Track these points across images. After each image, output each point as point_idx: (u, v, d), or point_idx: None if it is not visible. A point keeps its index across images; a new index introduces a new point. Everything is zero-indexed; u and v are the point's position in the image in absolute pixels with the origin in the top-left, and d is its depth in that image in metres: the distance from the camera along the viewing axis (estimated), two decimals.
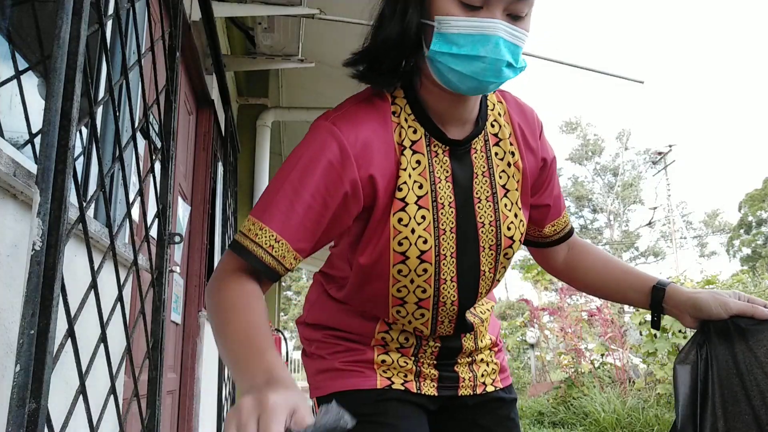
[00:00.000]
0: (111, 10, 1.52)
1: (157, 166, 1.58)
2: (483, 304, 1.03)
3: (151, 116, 1.86)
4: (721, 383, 0.89)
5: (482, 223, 0.91)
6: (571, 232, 1.09)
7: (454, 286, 0.91)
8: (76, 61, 0.95)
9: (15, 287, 1.01)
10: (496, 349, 1.06)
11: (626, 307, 6.87)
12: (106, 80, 1.59)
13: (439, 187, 0.88)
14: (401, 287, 0.90)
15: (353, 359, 0.96)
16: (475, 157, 0.91)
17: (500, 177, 0.93)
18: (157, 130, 1.86)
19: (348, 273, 0.94)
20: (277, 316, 9.84)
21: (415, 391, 0.97)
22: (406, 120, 0.88)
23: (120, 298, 1.23)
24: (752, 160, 49.27)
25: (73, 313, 0.99)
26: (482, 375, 1.02)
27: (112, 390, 1.18)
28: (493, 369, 1.04)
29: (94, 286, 1.08)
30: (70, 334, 0.97)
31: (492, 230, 0.92)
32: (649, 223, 28.91)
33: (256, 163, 4.52)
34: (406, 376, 0.97)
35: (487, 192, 0.92)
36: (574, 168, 34.80)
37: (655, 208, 28.05)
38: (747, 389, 0.87)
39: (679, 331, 5.09)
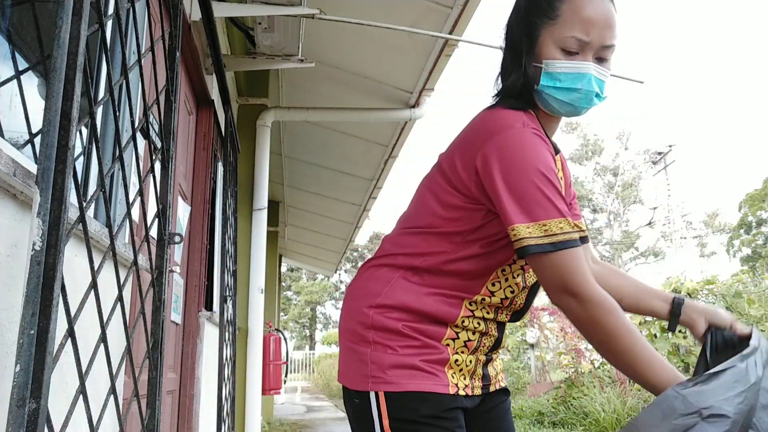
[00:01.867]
0: (111, 10, 1.52)
1: (157, 166, 1.58)
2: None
3: (151, 116, 1.86)
4: None
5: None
6: (586, 238, 1.20)
7: None
8: (76, 61, 0.95)
9: (15, 287, 1.01)
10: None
11: None
12: (106, 80, 1.59)
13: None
14: (506, 267, 1.08)
15: (432, 359, 1.02)
16: (558, 163, 1.12)
17: (566, 189, 1.14)
18: (157, 130, 1.86)
19: (457, 251, 1.05)
20: (277, 316, 9.84)
21: (471, 393, 1.07)
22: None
23: (120, 298, 1.23)
24: (752, 160, 49.29)
25: (73, 313, 0.99)
26: (499, 372, 1.18)
27: (112, 390, 1.18)
28: (502, 368, 1.21)
29: (94, 286, 1.08)
30: (70, 334, 0.97)
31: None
32: (649, 223, 28.92)
33: (256, 163, 4.52)
34: (465, 378, 1.07)
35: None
36: (574, 168, 34.79)
37: (655, 208, 28.07)
38: None
39: (680, 331, 5.10)
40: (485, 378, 1.11)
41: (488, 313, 1.07)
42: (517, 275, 1.09)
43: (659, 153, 26.87)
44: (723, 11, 61.10)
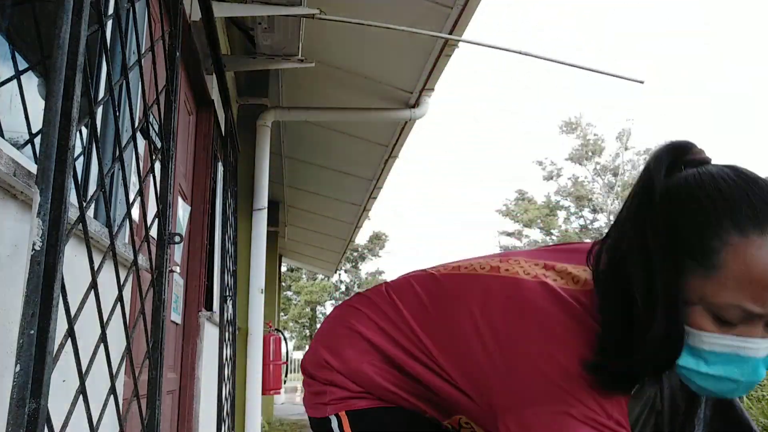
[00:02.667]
0: (111, 10, 1.52)
1: (157, 166, 1.58)
2: None
3: (151, 116, 1.86)
4: None
5: None
6: None
7: None
8: (76, 61, 0.95)
9: (15, 287, 1.01)
10: None
11: None
12: (106, 80, 1.59)
13: None
14: None
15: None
16: None
17: None
18: (157, 130, 1.86)
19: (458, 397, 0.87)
20: (277, 316, 9.84)
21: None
22: None
23: (120, 298, 1.23)
24: (752, 160, 49.25)
25: (73, 313, 0.99)
26: None
27: (112, 390, 1.18)
28: None
29: (94, 286, 1.08)
30: (70, 334, 0.97)
31: None
32: None
33: (256, 163, 4.52)
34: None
35: None
36: (574, 168, 34.80)
37: None
38: None
39: None
40: None
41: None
42: None
43: None
44: (723, 11, 61.14)
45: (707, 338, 0.69)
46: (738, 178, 0.72)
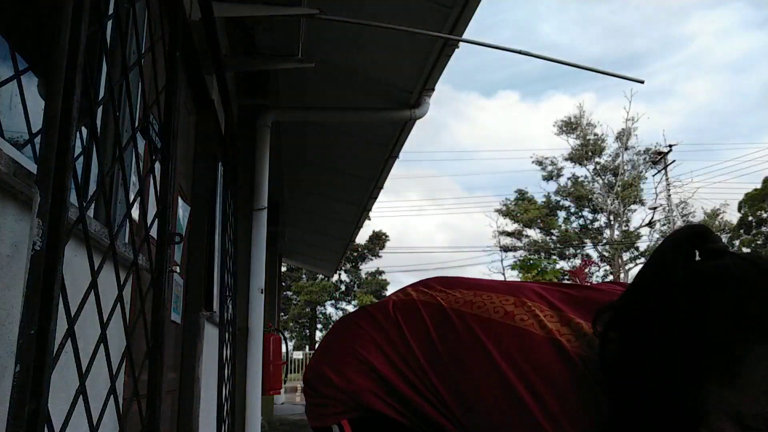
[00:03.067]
0: (111, 10, 1.52)
1: (157, 166, 1.58)
2: None
3: (151, 116, 1.86)
4: None
5: None
6: None
7: None
8: (76, 61, 0.95)
9: (15, 287, 1.01)
10: None
11: None
12: (106, 80, 1.59)
13: None
14: None
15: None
16: None
17: None
18: (157, 130, 1.86)
19: None
20: (277, 316, 9.84)
21: None
22: None
23: (120, 298, 1.23)
24: (752, 160, 49.27)
25: (73, 313, 0.99)
26: None
27: (112, 390, 1.18)
28: None
29: (94, 286, 1.08)
30: (70, 334, 0.97)
31: None
32: (649, 223, 28.90)
33: (256, 163, 4.52)
34: None
35: None
36: (574, 168, 34.79)
37: (655, 208, 28.06)
38: None
39: None
40: None
41: None
42: None
43: (659, 153, 26.86)
44: (723, 11, 61.11)
45: None
46: (760, 276, 0.68)
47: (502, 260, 35.45)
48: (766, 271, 0.69)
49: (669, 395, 0.67)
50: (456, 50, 3.89)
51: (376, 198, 7.12)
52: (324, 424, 0.96)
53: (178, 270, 2.71)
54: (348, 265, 33.96)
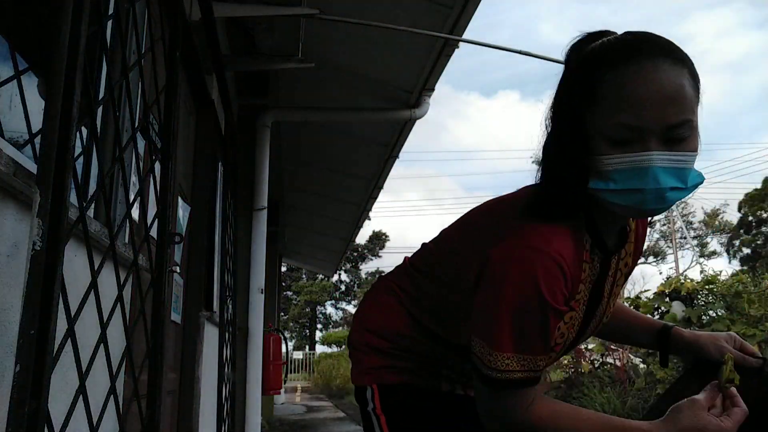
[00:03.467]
0: (111, 10, 1.52)
1: (157, 166, 1.58)
2: None
3: (151, 116, 1.86)
4: None
5: (596, 315, 1.00)
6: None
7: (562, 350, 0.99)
8: (76, 61, 0.95)
9: (15, 287, 1.01)
10: None
11: None
12: (106, 80, 1.59)
13: (584, 289, 0.93)
14: None
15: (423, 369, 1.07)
16: (612, 262, 0.98)
17: (619, 277, 1.02)
18: (157, 130, 1.86)
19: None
20: (277, 316, 9.84)
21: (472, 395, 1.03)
22: (585, 234, 0.92)
23: (120, 298, 1.23)
24: (752, 160, 49.27)
25: (73, 313, 0.99)
26: None
27: (112, 390, 1.18)
28: None
29: (94, 286, 1.08)
30: (70, 334, 0.97)
31: (602, 312, 1.01)
32: (649, 223, 28.89)
33: (256, 163, 4.51)
34: (464, 386, 1.08)
35: (608, 291, 1.00)
36: None
37: None
38: None
39: None
40: None
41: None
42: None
43: None
44: (723, 11, 61.13)
45: (608, 160, 0.81)
46: (627, 34, 0.86)
47: None
48: (637, 32, 0.85)
49: (562, 138, 0.88)
50: (456, 50, 3.89)
51: (376, 198, 7.12)
52: (361, 383, 1.08)
53: (178, 270, 2.70)
54: (348, 265, 33.95)
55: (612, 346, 6.24)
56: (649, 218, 1.00)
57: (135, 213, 1.70)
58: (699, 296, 5.46)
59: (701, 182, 0.83)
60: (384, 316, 1.08)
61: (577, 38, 0.90)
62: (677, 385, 1.06)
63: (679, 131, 0.79)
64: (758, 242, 26.98)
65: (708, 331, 1.09)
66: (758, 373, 0.99)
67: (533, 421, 0.88)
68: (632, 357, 6.28)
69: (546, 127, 0.93)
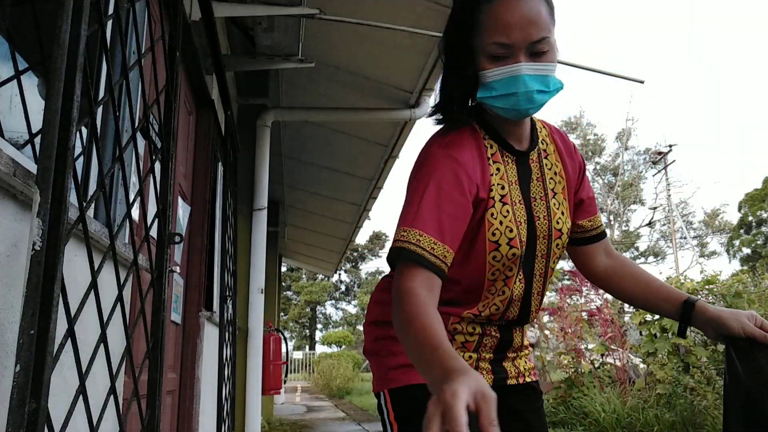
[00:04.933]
0: (111, 10, 1.52)
1: (157, 166, 1.58)
2: (540, 304, 1.21)
3: (151, 116, 1.86)
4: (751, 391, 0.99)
5: (537, 217, 1.14)
6: (604, 233, 1.28)
7: (521, 272, 1.13)
8: (76, 61, 0.95)
9: (15, 287, 1.01)
10: (528, 351, 1.27)
11: (626, 307, 6.87)
12: (106, 80, 1.59)
13: (511, 188, 1.12)
14: (495, 271, 1.10)
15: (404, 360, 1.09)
16: (532, 165, 1.16)
17: (550, 182, 1.17)
18: (157, 130, 1.86)
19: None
20: (277, 316, 9.84)
21: None
22: (485, 138, 1.12)
23: (120, 298, 1.23)
24: (752, 160, 49.27)
25: (73, 313, 0.99)
26: (524, 369, 1.22)
27: (112, 390, 1.18)
28: (531, 366, 1.25)
29: (94, 286, 1.08)
30: (70, 334, 0.97)
31: (545, 223, 1.14)
32: (649, 223, 28.91)
33: (256, 163, 4.52)
34: None
35: (541, 193, 1.15)
36: None
37: (655, 208, 28.04)
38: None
39: None
40: (496, 372, 1.16)
41: (478, 325, 1.14)
42: (506, 283, 1.12)
43: (659, 153, 26.85)
44: (723, 11, 61.13)
45: (489, 73, 1.03)
46: None
47: None
48: None
49: (454, 58, 1.09)
50: None
51: (376, 198, 7.12)
52: (375, 390, 1.14)
53: (178, 270, 2.71)
54: (348, 265, 33.96)
55: (612, 346, 6.24)
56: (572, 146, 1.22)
57: (135, 213, 1.70)
58: (699, 296, 5.46)
59: (561, 87, 1.05)
60: (383, 307, 1.16)
61: None
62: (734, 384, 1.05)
63: (539, 45, 1.01)
64: (758, 242, 26.97)
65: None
66: None
67: (397, 295, 0.95)
68: (632, 357, 6.28)
69: (442, 59, 1.13)
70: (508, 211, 1.09)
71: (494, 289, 1.11)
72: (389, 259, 1.02)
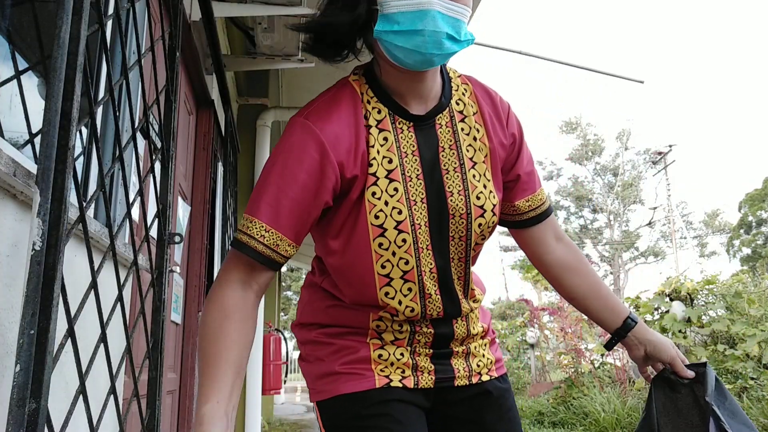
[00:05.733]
0: (111, 10, 1.52)
1: (157, 166, 1.58)
2: (470, 288, 1.03)
3: (151, 116, 1.86)
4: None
5: (450, 192, 0.96)
6: (549, 211, 1.11)
7: (430, 254, 0.96)
8: (76, 61, 0.95)
9: (15, 287, 1.01)
10: (488, 339, 1.09)
11: None
12: (106, 80, 1.59)
13: (406, 161, 0.95)
14: (384, 262, 0.94)
15: (349, 359, 0.98)
16: (441, 132, 0.98)
17: (467, 150, 0.99)
18: (157, 130, 1.86)
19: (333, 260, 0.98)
20: (277, 316, 9.84)
21: (412, 386, 0.98)
22: (369, 102, 0.96)
23: (120, 298, 1.23)
24: (752, 160, 49.27)
25: (73, 313, 0.99)
26: (477, 366, 1.04)
27: (112, 390, 1.18)
28: (488, 360, 1.07)
29: (94, 286, 1.08)
30: (70, 334, 0.97)
31: (461, 199, 0.97)
32: (649, 223, 28.89)
33: (256, 163, 4.52)
34: (403, 371, 0.98)
35: (455, 164, 0.97)
36: (574, 168, 34.77)
37: (655, 208, 28.03)
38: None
39: (680, 332, 5.09)
40: (441, 371, 1.00)
41: (405, 323, 0.98)
42: (407, 274, 0.96)
43: (659, 153, 26.84)
44: (723, 10, 61.13)
45: (394, 2, 0.85)
46: None
47: (502, 260, 35.47)
48: None
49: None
50: None
51: None
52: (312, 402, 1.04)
53: (178, 270, 2.71)
54: None
55: None
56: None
57: (135, 213, 1.70)
58: (699, 296, 5.46)
59: (473, 40, 0.90)
60: (304, 306, 1.07)
61: None
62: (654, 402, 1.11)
63: None
64: (758, 242, 26.97)
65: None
66: (691, 384, 1.06)
67: (211, 290, 0.90)
68: None
69: None
70: (396, 189, 0.92)
71: (393, 289, 0.95)
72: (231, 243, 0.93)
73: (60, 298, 0.89)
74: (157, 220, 1.53)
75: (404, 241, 0.93)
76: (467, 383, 1.02)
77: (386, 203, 0.92)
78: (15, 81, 1.22)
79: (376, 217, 0.91)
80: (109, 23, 1.61)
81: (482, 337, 1.07)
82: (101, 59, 1.54)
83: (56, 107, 0.91)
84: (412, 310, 0.96)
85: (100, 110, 1.58)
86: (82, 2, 0.97)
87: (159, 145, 1.59)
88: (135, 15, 1.45)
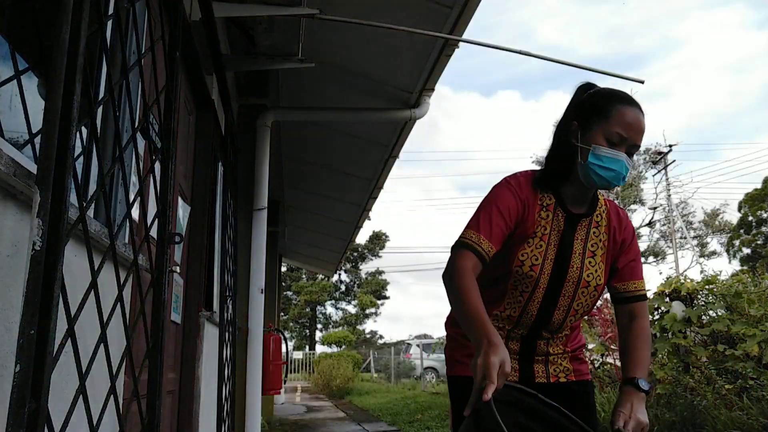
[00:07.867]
0: (111, 10, 1.52)
1: (157, 166, 1.58)
2: (563, 330, 1.55)
3: (151, 116, 1.86)
4: None
5: (572, 265, 1.51)
6: (637, 298, 1.56)
7: (542, 293, 1.50)
8: (76, 61, 0.95)
9: (15, 287, 1.01)
10: (568, 356, 1.60)
11: None
12: (106, 80, 1.59)
13: (553, 234, 1.51)
14: (515, 281, 1.50)
15: (465, 353, 1.54)
16: (580, 228, 1.54)
17: (592, 246, 1.54)
18: (157, 130, 1.86)
19: (491, 272, 1.51)
20: (277, 316, 9.84)
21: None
22: (542, 193, 1.53)
23: (120, 299, 1.23)
24: (752, 160, 49.21)
25: (73, 314, 0.99)
26: (554, 371, 1.57)
27: (112, 390, 1.18)
28: (565, 368, 1.58)
29: (94, 286, 1.08)
30: (70, 334, 0.97)
31: (577, 272, 1.51)
32: (649, 223, 28.89)
33: (256, 163, 4.51)
34: None
35: (581, 250, 1.53)
36: None
37: (655, 208, 28.03)
38: None
39: (680, 332, 5.09)
40: (523, 371, 1.54)
41: (505, 324, 1.53)
42: (522, 295, 1.50)
43: (659, 153, 26.83)
44: (724, 10, 61.12)
45: (604, 150, 1.43)
46: (609, 88, 1.52)
47: None
48: (610, 88, 1.52)
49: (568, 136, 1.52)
50: (456, 50, 3.89)
51: (376, 198, 7.12)
52: (447, 374, 1.63)
53: (178, 270, 2.71)
54: (348, 265, 33.93)
55: (612, 346, 6.24)
56: (625, 214, 1.63)
57: (135, 213, 1.70)
58: (699, 296, 5.46)
59: (626, 181, 1.39)
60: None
61: (581, 84, 1.57)
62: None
63: (634, 149, 1.44)
64: (758, 242, 26.95)
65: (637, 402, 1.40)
66: None
67: (452, 270, 1.39)
68: None
69: (557, 132, 1.55)
70: (540, 245, 1.49)
71: (514, 294, 1.50)
72: (452, 248, 1.44)
73: (60, 298, 0.89)
74: (157, 220, 1.53)
75: (530, 276, 1.48)
76: (545, 381, 1.55)
77: (531, 251, 1.49)
78: (15, 81, 1.22)
79: (522, 255, 1.48)
80: (109, 23, 1.62)
81: (560, 354, 1.58)
82: (101, 59, 1.54)
83: (56, 107, 0.91)
84: (514, 312, 1.52)
85: (100, 110, 1.58)
86: (82, 2, 0.97)
87: (159, 145, 1.59)
88: (135, 15, 1.45)
